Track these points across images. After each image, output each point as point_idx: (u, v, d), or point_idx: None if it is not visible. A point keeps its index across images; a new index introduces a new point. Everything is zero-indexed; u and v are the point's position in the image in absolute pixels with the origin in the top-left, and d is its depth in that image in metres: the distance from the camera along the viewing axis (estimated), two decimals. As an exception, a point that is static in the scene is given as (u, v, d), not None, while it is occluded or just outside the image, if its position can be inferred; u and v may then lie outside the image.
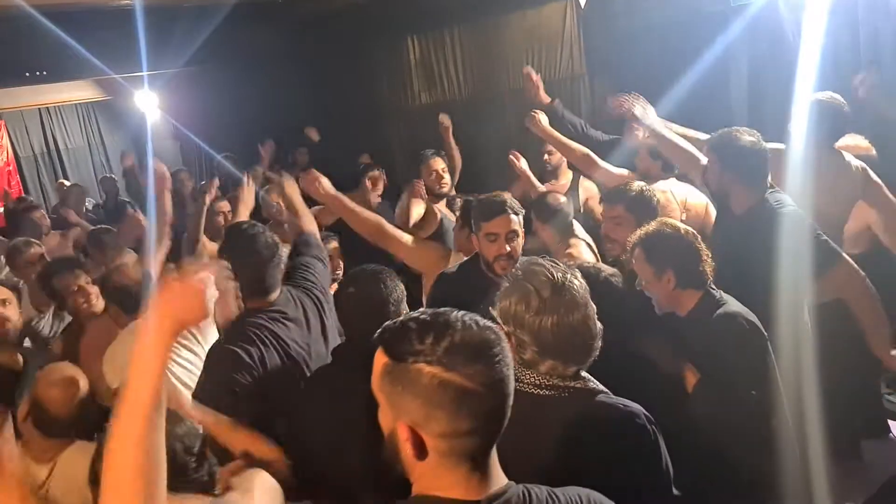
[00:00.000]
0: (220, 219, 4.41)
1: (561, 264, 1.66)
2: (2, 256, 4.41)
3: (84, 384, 2.29)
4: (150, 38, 5.44)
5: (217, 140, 6.44)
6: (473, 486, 1.09)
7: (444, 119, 4.90)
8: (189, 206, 5.33)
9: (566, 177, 4.40)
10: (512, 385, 1.10)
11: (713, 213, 3.36)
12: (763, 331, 2.16)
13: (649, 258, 2.24)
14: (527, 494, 1.13)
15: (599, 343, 1.62)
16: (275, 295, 2.33)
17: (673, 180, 3.61)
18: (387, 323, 1.14)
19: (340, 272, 3.68)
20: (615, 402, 1.60)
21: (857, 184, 3.16)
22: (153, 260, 3.39)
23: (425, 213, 3.95)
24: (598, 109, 5.61)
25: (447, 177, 4.20)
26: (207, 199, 3.96)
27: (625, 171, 3.64)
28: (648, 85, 3.25)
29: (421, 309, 1.13)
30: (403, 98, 7.19)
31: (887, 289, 3.36)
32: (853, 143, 3.41)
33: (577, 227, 3.31)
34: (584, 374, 1.63)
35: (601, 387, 1.63)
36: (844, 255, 2.64)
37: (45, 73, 7.30)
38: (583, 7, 5.62)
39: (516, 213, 2.53)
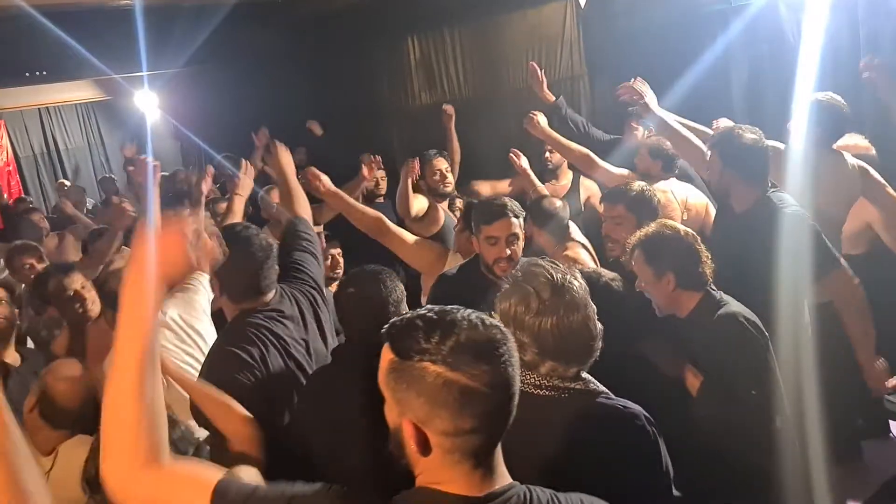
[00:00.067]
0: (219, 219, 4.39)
1: (560, 265, 1.66)
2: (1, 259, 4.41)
3: (90, 381, 2.31)
4: (150, 37, 5.43)
5: (217, 140, 6.44)
6: (476, 483, 1.09)
7: (448, 108, 5.00)
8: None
9: (566, 177, 4.40)
10: (517, 385, 1.11)
11: (713, 213, 3.36)
12: (764, 330, 2.16)
13: (649, 260, 2.25)
14: (528, 495, 1.14)
15: (600, 344, 1.62)
16: (271, 295, 2.33)
17: (673, 180, 3.62)
18: (394, 319, 1.14)
19: (340, 271, 3.68)
20: (615, 402, 1.60)
21: (857, 183, 3.16)
22: None
23: (429, 210, 3.94)
24: (598, 109, 5.62)
25: (451, 177, 4.22)
26: (204, 188, 3.91)
27: (625, 171, 3.64)
28: (649, 84, 3.25)
29: (429, 306, 1.13)
30: (404, 98, 7.19)
31: (888, 289, 3.37)
32: (853, 142, 3.41)
33: (575, 230, 3.31)
34: (584, 375, 1.63)
35: (602, 388, 1.63)
36: (843, 262, 2.64)
37: (44, 73, 7.31)
38: (583, 7, 5.62)
39: (517, 217, 2.54)
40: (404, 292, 2.15)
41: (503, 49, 6.24)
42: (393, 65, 7.18)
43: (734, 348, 2.10)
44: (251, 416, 1.97)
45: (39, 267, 3.87)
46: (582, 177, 4.25)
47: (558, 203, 3.21)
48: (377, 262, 2.31)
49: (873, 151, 3.49)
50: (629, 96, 3.17)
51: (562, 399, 1.56)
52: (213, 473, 1.19)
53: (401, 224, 3.72)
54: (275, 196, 4.11)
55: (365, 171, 4.29)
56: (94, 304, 3.17)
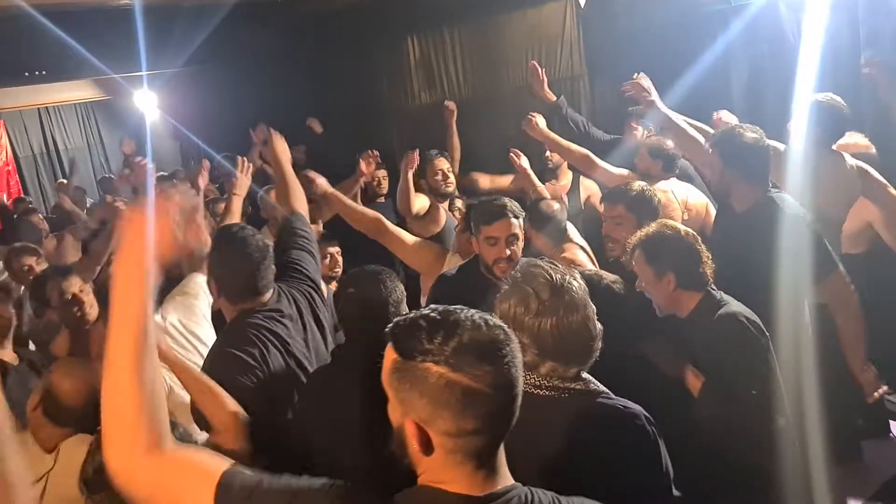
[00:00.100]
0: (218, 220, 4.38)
1: (559, 266, 1.67)
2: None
3: (95, 380, 2.31)
4: (150, 37, 5.43)
5: (217, 140, 6.43)
6: (477, 483, 1.09)
7: (450, 104, 5.03)
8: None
9: (566, 177, 4.40)
10: (520, 386, 1.10)
11: (714, 213, 3.36)
12: (764, 330, 2.16)
13: (650, 260, 2.24)
14: (529, 497, 1.13)
15: (599, 344, 1.62)
16: (268, 295, 2.33)
17: (674, 180, 3.61)
18: (398, 319, 1.14)
19: (339, 269, 3.67)
20: (615, 402, 1.60)
21: (856, 184, 3.16)
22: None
23: (430, 209, 3.94)
24: (598, 109, 5.62)
25: (452, 177, 4.22)
26: (201, 183, 3.91)
27: (625, 171, 3.64)
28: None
29: (432, 305, 1.13)
30: (403, 98, 7.19)
31: (888, 288, 3.37)
32: (853, 140, 3.41)
33: (573, 231, 3.31)
34: (584, 375, 1.63)
35: (602, 388, 1.63)
36: (841, 266, 2.65)
37: (44, 72, 7.31)
38: (583, 7, 5.62)
39: (516, 217, 2.53)
40: (404, 293, 2.15)
41: (503, 49, 6.24)
42: (393, 64, 7.18)
43: (735, 348, 2.10)
44: (239, 410, 1.96)
45: (38, 269, 3.85)
46: (582, 177, 4.25)
47: (556, 206, 3.20)
48: (377, 261, 2.31)
49: (873, 150, 3.50)
50: (636, 93, 3.16)
51: (562, 399, 1.56)
52: (218, 464, 1.17)
53: (402, 223, 3.72)
54: (274, 196, 4.11)
55: (363, 165, 4.28)
56: (92, 308, 3.14)
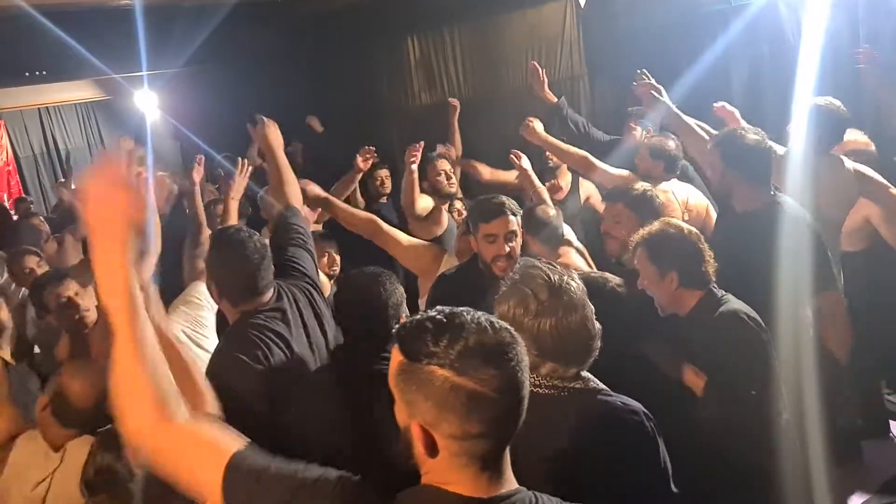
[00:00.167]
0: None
1: (557, 267, 1.67)
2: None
3: (103, 383, 2.31)
4: (150, 37, 5.44)
5: (217, 140, 6.42)
6: (481, 486, 1.09)
7: (454, 101, 5.10)
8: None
9: (566, 177, 4.40)
10: (527, 389, 1.10)
11: (714, 214, 3.36)
12: (764, 327, 2.17)
13: (652, 258, 2.24)
14: (534, 501, 1.13)
15: (598, 343, 1.63)
16: (269, 294, 2.33)
17: (674, 181, 3.61)
18: (405, 321, 1.14)
19: (337, 269, 3.67)
20: (614, 399, 1.61)
21: (854, 186, 3.17)
22: (147, 263, 3.33)
23: (433, 210, 3.93)
24: (597, 109, 5.61)
25: (454, 178, 4.22)
26: (196, 177, 3.90)
27: (624, 172, 3.63)
28: (650, 83, 3.26)
29: (439, 307, 1.13)
30: (403, 98, 7.19)
31: (888, 288, 3.37)
32: (852, 137, 3.41)
33: (570, 234, 3.32)
34: (584, 374, 1.63)
35: (601, 385, 1.64)
36: (838, 283, 2.66)
37: (44, 72, 7.30)
38: (583, 7, 5.62)
39: (514, 214, 2.54)
40: (404, 295, 2.14)
41: (503, 49, 6.24)
42: (393, 64, 7.18)
43: (735, 345, 2.10)
44: (208, 392, 1.94)
45: (39, 271, 3.87)
46: (581, 177, 4.25)
47: (552, 212, 3.20)
48: (376, 262, 2.31)
49: (873, 147, 3.50)
50: (646, 91, 3.17)
51: (562, 397, 1.57)
52: (230, 442, 1.18)
53: (402, 226, 3.71)
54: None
55: (360, 161, 4.28)
56: (89, 311, 3.14)
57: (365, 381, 1.85)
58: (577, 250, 3.23)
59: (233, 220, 3.34)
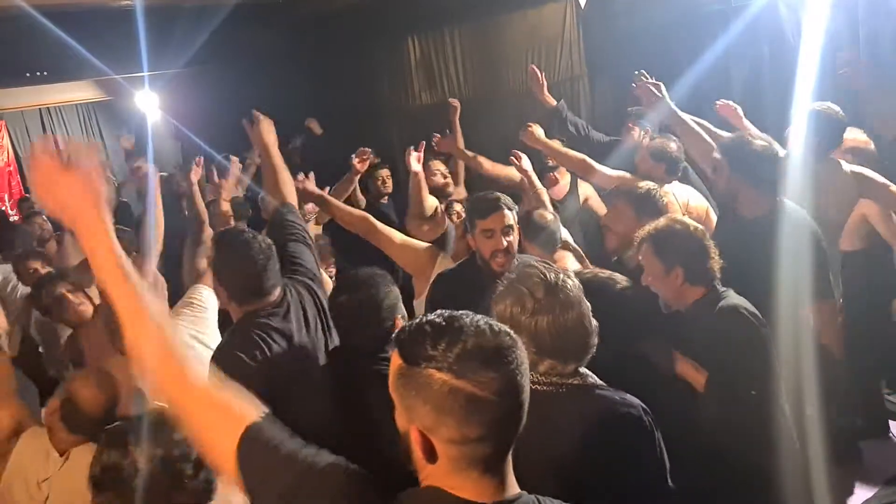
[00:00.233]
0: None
1: (553, 266, 1.69)
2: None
3: (115, 391, 2.32)
4: (151, 38, 5.44)
5: (218, 140, 6.43)
6: (483, 491, 1.08)
7: (454, 101, 5.09)
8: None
9: (566, 178, 4.39)
10: (527, 392, 1.08)
11: (714, 217, 3.36)
12: (764, 322, 2.17)
13: (658, 253, 2.25)
14: None
15: (595, 340, 1.64)
16: (275, 294, 2.33)
17: (675, 183, 3.60)
18: (405, 324, 1.13)
19: (333, 269, 3.67)
20: (612, 394, 1.63)
21: (853, 189, 3.18)
22: (146, 264, 3.35)
23: (437, 210, 3.93)
24: (597, 110, 5.62)
25: (450, 178, 4.23)
26: (193, 178, 3.91)
27: (624, 174, 3.63)
28: (649, 84, 3.26)
29: (439, 311, 1.12)
30: (404, 98, 7.20)
31: (888, 288, 3.37)
32: (852, 136, 3.42)
33: (567, 237, 3.32)
34: (582, 370, 1.65)
35: (599, 381, 1.65)
36: (836, 295, 2.67)
37: (45, 73, 7.31)
38: (583, 7, 5.62)
39: (510, 209, 2.54)
40: (399, 296, 2.13)
41: (503, 49, 6.25)
42: (393, 65, 7.19)
43: (735, 339, 2.10)
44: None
45: (44, 272, 3.96)
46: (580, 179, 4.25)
47: (549, 216, 3.20)
48: (376, 262, 2.31)
49: (872, 146, 3.51)
50: (646, 90, 3.17)
51: (560, 393, 1.59)
52: (250, 411, 1.19)
53: (401, 226, 3.71)
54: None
55: (356, 163, 4.29)
56: (82, 306, 3.30)
57: (362, 382, 1.86)
58: (574, 252, 3.23)
59: (228, 219, 3.37)
